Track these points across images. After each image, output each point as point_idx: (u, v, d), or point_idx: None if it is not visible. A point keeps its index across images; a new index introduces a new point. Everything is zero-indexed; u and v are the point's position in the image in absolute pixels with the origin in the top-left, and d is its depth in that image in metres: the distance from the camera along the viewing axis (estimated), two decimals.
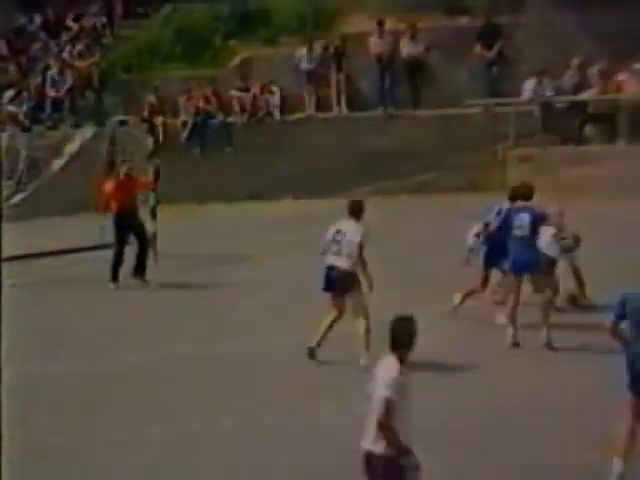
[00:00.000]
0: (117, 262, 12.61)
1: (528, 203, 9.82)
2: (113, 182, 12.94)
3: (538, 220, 9.63)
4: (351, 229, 9.56)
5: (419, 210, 16.11)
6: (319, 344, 9.49)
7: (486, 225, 10.95)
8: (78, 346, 10.34)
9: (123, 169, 13.19)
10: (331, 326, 9.56)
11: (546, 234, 9.61)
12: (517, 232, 9.72)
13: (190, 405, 8.53)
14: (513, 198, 9.89)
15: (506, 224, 9.83)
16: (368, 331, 9.29)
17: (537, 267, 9.63)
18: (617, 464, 6.96)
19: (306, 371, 9.29)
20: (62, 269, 14.01)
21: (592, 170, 16.04)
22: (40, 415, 8.30)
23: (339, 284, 9.60)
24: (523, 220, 9.69)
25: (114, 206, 12.67)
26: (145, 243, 12.52)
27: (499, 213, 10.05)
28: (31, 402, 8.44)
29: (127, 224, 12.60)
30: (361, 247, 9.46)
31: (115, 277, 12.29)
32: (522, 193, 9.97)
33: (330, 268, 9.57)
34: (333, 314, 9.57)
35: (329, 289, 9.60)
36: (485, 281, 10.67)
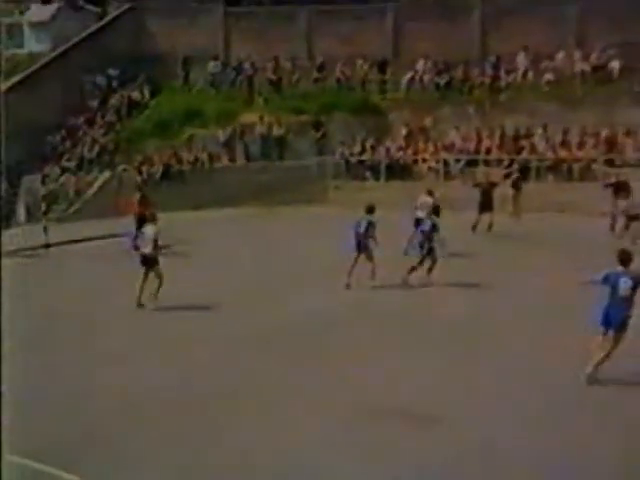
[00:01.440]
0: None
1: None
2: (137, 200, 22.12)
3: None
4: (148, 230, 15.26)
5: (285, 214, 27.27)
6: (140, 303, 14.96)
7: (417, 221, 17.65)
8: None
9: (137, 196, 22.31)
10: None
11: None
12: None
13: None
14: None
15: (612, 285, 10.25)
16: (159, 286, 14.87)
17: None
18: (589, 368, 10.28)
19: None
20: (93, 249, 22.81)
21: (369, 194, 30.35)
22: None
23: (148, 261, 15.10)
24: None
25: (137, 211, 21.31)
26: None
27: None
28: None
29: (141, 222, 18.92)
30: (156, 240, 14.93)
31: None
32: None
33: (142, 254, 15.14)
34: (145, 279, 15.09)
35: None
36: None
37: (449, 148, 29.51)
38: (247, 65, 34.11)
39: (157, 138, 32.10)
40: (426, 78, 32.52)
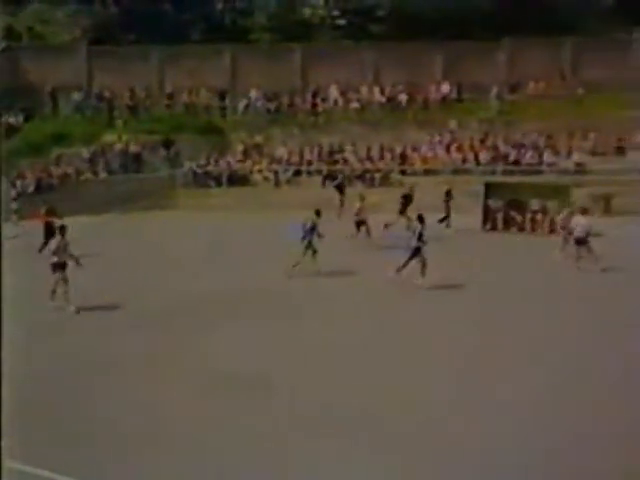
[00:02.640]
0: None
1: None
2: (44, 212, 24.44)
3: None
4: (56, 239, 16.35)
5: (143, 218, 30.38)
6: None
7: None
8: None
9: (43, 208, 24.58)
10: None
11: None
12: None
13: None
14: None
15: None
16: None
17: None
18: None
19: None
20: None
21: (214, 200, 36.17)
22: None
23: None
24: None
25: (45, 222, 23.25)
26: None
27: None
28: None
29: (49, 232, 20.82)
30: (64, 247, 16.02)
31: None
32: None
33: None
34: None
35: None
36: None
37: (278, 161, 36.01)
38: (107, 93, 39.28)
39: (30, 157, 35.85)
40: (259, 104, 39.00)
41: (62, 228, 16.70)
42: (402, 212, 26.53)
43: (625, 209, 28.14)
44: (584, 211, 20.59)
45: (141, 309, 16.30)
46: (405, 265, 17.91)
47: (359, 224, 23.85)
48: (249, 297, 17.15)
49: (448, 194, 27.85)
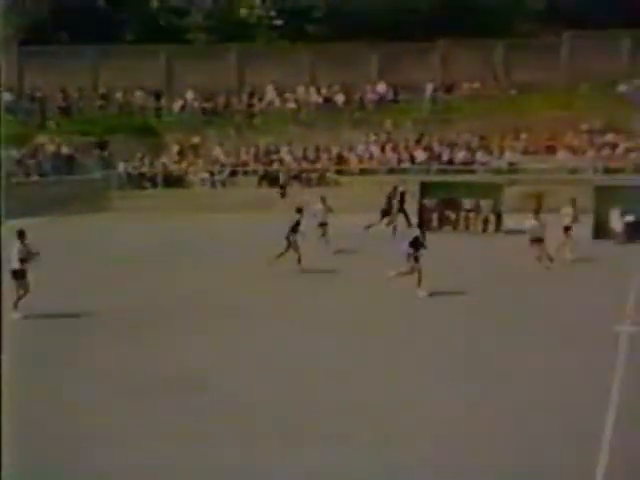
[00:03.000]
0: None
1: None
2: None
3: None
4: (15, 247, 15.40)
5: (78, 221, 30.15)
6: None
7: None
8: None
9: None
10: None
11: None
12: None
13: None
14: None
15: None
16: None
17: None
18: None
19: None
20: None
21: (149, 201, 35.49)
22: None
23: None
24: None
25: None
26: None
27: None
28: None
29: None
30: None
31: None
32: None
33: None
34: None
35: None
36: None
37: (214, 162, 35.72)
38: (39, 94, 38.41)
39: None
40: (195, 105, 38.69)
41: (21, 234, 15.73)
42: (387, 213, 26.68)
43: (557, 207, 28.57)
44: (537, 211, 20.85)
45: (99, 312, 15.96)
46: (405, 273, 17.06)
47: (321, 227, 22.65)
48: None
49: (402, 195, 27.60)
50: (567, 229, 21.17)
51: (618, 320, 14.55)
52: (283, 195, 31.20)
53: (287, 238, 19.41)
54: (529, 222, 20.41)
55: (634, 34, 37.58)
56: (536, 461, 8.87)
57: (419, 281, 16.84)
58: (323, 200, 23.28)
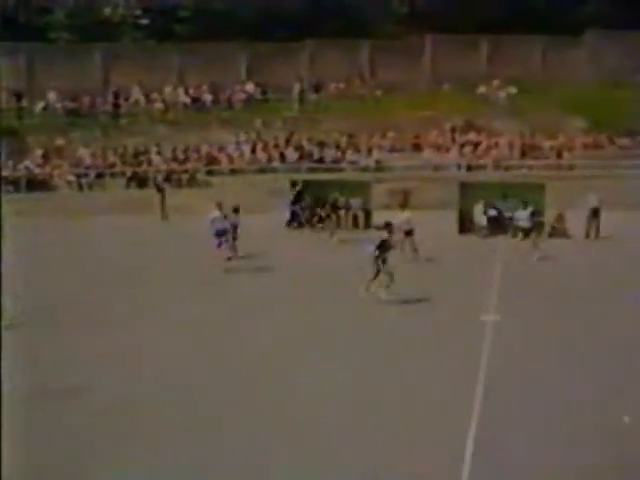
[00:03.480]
0: None
1: None
2: None
3: None
4: None
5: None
6: None
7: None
8: None
9: None
10: None
11: None
12: None
13: None
14: None
15: None
16: None
17: None
18: None
19: None
20: None
21: (13, 206, 34.28)
22: None
23: None
24: None
25: None
26: None
27: None
28: None
29: None
30: None
31: None
32: None
33: None
34: None
35: None
36: None
37: (80, 164, 34.48)
38: None
39: None
40: (58, 106, 37.24)
41: None
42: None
43: (423, 203, 29.28)
44: (403, 206, 21.29)
45: None
46: (374, 278, 16.10)
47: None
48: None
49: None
50: (408, 233, 21.12)
51: (484, 310, 15.09)
52: (163, 198, 30.42)
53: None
54: (401, 216, 20.86)
55: (492, 38, 39.09)
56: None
57: (385, 284, 16.07)
58: (219, 205, 21.34)
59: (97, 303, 16.67)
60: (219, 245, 19.74)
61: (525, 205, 22.82)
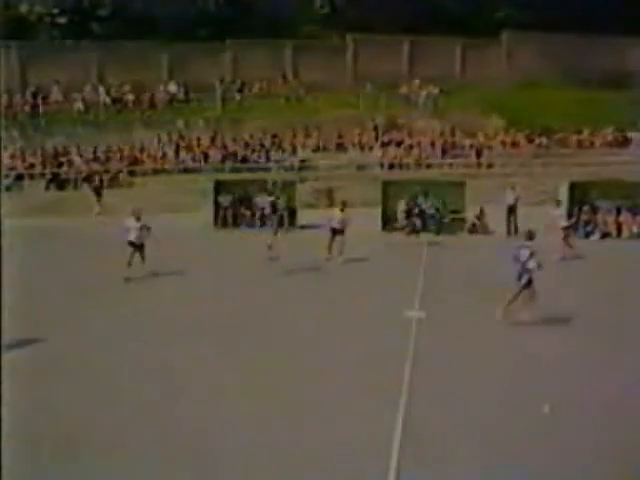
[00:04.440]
0: None
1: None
2: None
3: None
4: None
5: None
6: None
7: None
8: None
9: None
10: None
11: None
12: None
13: None
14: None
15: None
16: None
17: None
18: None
19: None
20: None
21: None
22: None
23: None
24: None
25: None
26: None
27: None
28: None
29: None
30: None
31: None
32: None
33: None
34: None
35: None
36: None
37: None
38: None
39: None
40: None
41: None
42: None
43: (348, 202, 29.37)
44: (343, 205, 21.11)
45: None
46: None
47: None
48: None
49: None
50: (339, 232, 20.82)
51: (409, 306, 15.19)
52: (99, 199, 29.87)
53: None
54: (334, 215, 20.84)
55: (412, 39, 39.63)
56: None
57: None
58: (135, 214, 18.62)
59: None
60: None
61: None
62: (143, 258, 18.15)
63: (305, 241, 23.01)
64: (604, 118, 34.71)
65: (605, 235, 24.97)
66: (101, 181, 31.51)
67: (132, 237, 18.04)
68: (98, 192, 30.23)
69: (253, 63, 38.65)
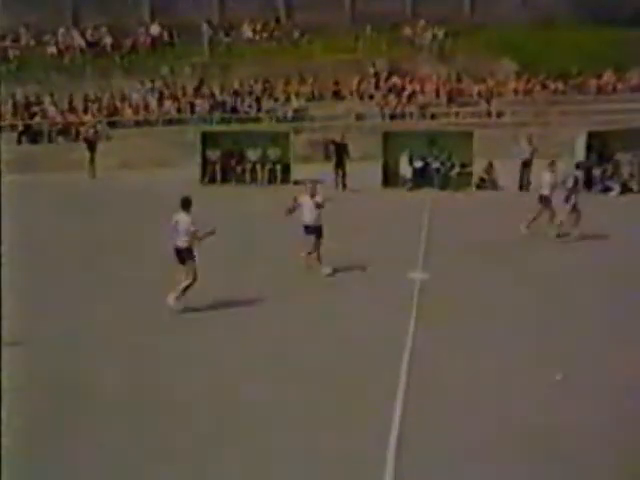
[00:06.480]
0: None
1: None
2: None
3: None
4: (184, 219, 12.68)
5: None
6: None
7: None
8: None
9: None
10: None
11: None
12: None
13: None
14: None
15: None
16: (188, 286, 12.64)
17: None
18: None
19: None
20: None
21: None
22: None
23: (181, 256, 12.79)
24: None
25: None
26: None
27: None
28: None
29: None
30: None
31: None
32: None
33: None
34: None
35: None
36: None
37: None
38: None
39: None
40: None
41: None
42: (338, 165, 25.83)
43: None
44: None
45: None
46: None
47: None
48: None
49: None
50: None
51: (412, 268, 15.18)
52: (93, 155, 29.15)
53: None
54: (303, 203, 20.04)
55: None
56: None
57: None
58: None
59: None
60: None
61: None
62: None
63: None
64: (629, 60, 34.17)
65: (626, 190, 24.75)
66: (96, 132, 30.82)
67: None
68: (91, 146, 29.29)
69: (243, 3, 37.92)
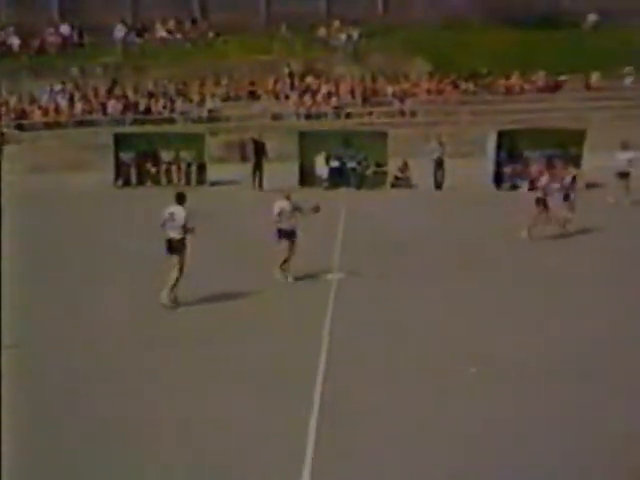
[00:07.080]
0: None
1: None
2: None
3: None
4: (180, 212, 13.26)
5: None
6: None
7: None
8: None
9: None
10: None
11: None
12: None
13: None
14: None
15: None
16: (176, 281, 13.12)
17: None
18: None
19: None
20: None
21: None
22: None
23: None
24: None
25: None
26: None
27: None
28: None
29: None
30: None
31: None
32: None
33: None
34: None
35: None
36: None
37: None
38: None
39: None
40: None
41: None
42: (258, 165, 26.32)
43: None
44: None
45: None
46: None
47: None
48: None
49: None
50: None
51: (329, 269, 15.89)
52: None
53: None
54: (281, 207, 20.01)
55: None
56: None
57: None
58: None
59: None
60: None
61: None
62: None
63: (216, 199, 23.11)
64: (535, 62, 35.40)
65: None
66: (2, 135, 30.43)
67: None
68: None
69: (157, 2, 37.86)
